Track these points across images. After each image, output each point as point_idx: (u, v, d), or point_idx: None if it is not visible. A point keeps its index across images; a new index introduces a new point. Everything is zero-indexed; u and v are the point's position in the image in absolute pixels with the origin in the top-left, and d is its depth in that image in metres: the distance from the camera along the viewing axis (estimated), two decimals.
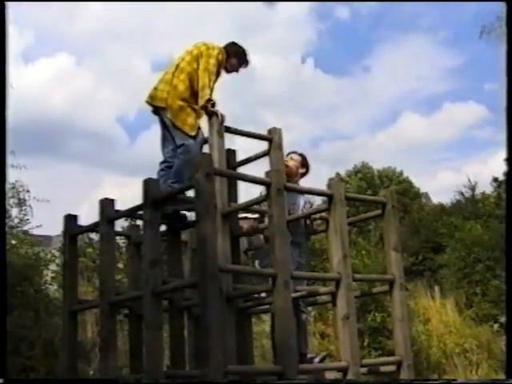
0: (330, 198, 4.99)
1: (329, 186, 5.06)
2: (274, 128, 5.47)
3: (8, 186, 10.28)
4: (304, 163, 6.01)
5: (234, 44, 5.79)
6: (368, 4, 58.65)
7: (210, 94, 5.27)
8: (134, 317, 5.74)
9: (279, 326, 4.39)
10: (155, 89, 5.50)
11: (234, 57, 5.74)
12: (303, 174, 6.01)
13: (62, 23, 58.24)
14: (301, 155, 6.03)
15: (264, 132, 5.51)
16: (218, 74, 5.52)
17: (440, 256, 15.99)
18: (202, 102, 5.23)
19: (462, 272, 13.34)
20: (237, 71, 5.86)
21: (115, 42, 63.63)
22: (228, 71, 5.78)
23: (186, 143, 5.23)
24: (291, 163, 5.88)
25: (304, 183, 5.89)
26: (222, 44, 5.71)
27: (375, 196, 5.75)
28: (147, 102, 5.54)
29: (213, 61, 5.42)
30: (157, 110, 5.49)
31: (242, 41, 5.80)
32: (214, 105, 5.23)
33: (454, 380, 8.78)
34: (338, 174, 29.79)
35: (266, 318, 10.02)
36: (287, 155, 5.92)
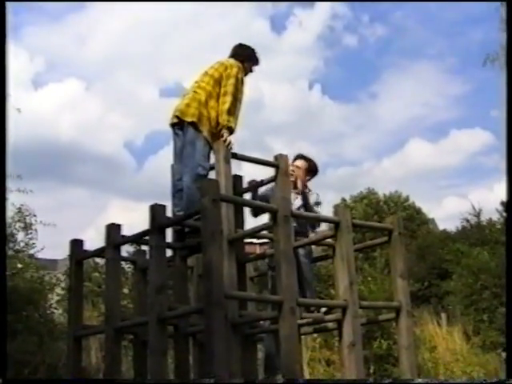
0: (336, 224, 4.98)
1: (335, 212, 5.05)
2: (281, 154, 5.48)
3: (14, 210, 10.31)
4: (310, 168, 6.05)
5: (243, 48, 5.79)
6: (375, 31, 59.05)
7: (232, 121, 5.28)
8: (138, 342, 5.71)
9: (285, 352, 4.36)
10: (187, 105, 5.37)
11: (248, 61, 5.74)
12: (311, 177, 6.06)
13: (73, 49, 58.95)
14: (306, 159, 6.05)
15: (270, 158, 5.53)
16: (240, 92, 5.49)
17: (446, 282, 15.92)
18: (222, 125, 5.25)
19: (469, 299, 13.27)
20: (251, 72, 5.83)
21: (124, 68, 64.24)
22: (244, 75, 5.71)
23: (201, 170, 5.19)
24: (297, 172, 5.92)
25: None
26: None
27: (381, 222, 5.73)
28: (176, 117, 5.42)
29: (232, 81, 5.40)
30: (182, 125, 5.38)
31: None
32: (231, 132, 5.25)
33: (453, 380, 8.68)
34: (343, 200, 29.81)
35: None
36: (294, 160, 5.97)
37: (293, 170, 5.84)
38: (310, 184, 6.05)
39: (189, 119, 5.30)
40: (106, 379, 4.88)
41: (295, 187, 5.86)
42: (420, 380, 5.20)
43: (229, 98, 5.32)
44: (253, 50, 5.81)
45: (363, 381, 4.76)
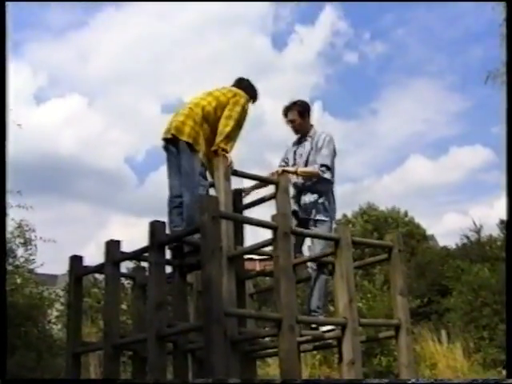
0: (336, 242, 4.98)
1: (335, 230, 5.06)
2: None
3: (14, 226, 10.32)
4: (302, 109, 6.00)
5: (249, 83, 5.82)
6: (376, 48, 59.35)
7: (228, 144, 5.28)
8: (137, 359, 5.68)
9: (285, 370, 4.34)
10: (183, 123, 5.32)
11: (251, 97, 5.77)
12: (307, 110, 6.02)
13: (75, 65, 59.19)
14: (297, 104, 6.01)
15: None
16: (243, 122, 5.51)
17: (447, 299, 15.87)
18: (217, 145, 5.25)
19: (469, 316, 13.22)
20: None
21: (126, 84, 64.54)
22: None
23: (201, 190, 5.19)
24: (294, 123, 5.96)
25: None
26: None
27: (381, 238, 5.73)
28: (172, 135, 5.35)
29: (239, 108, 5.42)
30: (176, 142, 5.33)
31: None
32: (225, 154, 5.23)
33: (454, 380, 8.63)
34: (344, 216, 29.77)
35: (271, 361, 9.94)
36: (286, 111, 5.99)
37: (292, 124, 5.97)
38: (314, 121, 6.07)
39: (185, 139, 5.26)
40: (106, 379, 4.86)
41: (302, 134, 5.97)
42: (420, 380, 5.19)
43: (232, 123, 5.32)
44: (256, 90, 5.86)
45: (363, 381, 4.73)
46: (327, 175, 5.68)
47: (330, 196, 5.80)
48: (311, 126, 6.00)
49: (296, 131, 6.01)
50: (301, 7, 60.97)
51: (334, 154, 5.82)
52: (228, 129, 5.28)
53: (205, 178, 5.34)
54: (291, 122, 5.97)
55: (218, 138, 5.28)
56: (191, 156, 5.24)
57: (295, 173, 5.74)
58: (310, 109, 6.06)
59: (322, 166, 5.69)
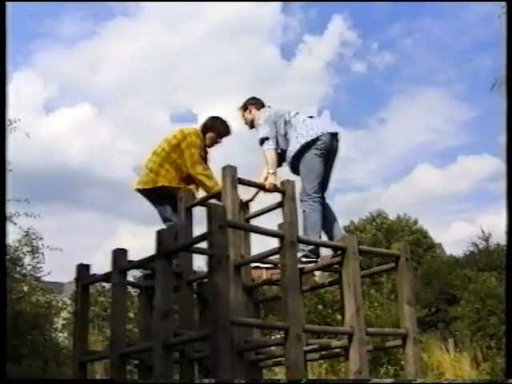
0: (343, 251, 4.97)
1: (342, 238, 5.05)
2: (288, 180, 5.50)
3: (21, 234, 10.34)
4: (254, 102, 6.04)
5: (211, 118, 6.16)
6: (384, 58, 59.39)
7: (201, 171, 5.76)
8: (144, 368, 5.68)
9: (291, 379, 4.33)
10: (146, 175, 5.99)
11: (211, 131, 6.10)
12: (255, 104, 6.03)
13: (85, 75, 59.56)
14: (247, 104, 6.06)
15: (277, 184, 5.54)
16: (204, 154, 6.01)
17: (454, 308, 15.79)
18: (195, 174, 5.76)
19: (476, 325, 13.15)
20: (218, 143, 6.21)
21: (136, 94, 64.77)
22: (209, 146, 6.14)
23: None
24: (248, 119, 6.01)
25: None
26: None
27: (390, 246, 5.71)
28: (141, 189, 6.01)
29: (194, 150, 5.85)
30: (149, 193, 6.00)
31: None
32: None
33: (456, 380, 8.57)
34: (352, 222, 29.76)
35: (277, 370, 9.90)
36: (242, 112, 6.07)
37: (245, 124, 6.05)
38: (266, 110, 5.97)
39: (149, 186, 5.94)
40: (106, 379, 4.85)
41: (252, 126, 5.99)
42: (420, 380, 5.16)
43: (197, 166, 5.80)
44: (221, 121, 6.18)
45: (363, 380, 4.71)
46: (266, 145, 5.62)
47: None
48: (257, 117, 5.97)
49: (248, 127, 6.05)
50: (309, 17, 61.21)
51: (267, 121, 5.71)
52: (202, 179, 5.76)
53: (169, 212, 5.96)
54: (242, 117, 6.08)
55: (192, 170, 5.79)
56: (158, 198, 6.01)
57: (267, 178, 5.65)
58: (255, 102, 6.06)
59: (260, 141, 5.69)
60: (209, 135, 6.08)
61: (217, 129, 6.14)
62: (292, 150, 5.55)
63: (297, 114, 5.76)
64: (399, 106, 62.08)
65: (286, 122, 5.70)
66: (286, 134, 5.68)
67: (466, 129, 62.02)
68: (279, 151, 5.69)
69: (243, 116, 6.05)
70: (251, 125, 5.95)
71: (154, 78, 60.68)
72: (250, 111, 5.98)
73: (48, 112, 66.45)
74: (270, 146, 5.59)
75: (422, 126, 60.74)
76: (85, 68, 59.78)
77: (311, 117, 5.72)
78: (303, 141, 5.49)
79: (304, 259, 5.21)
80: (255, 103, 6.01)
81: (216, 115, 6.21)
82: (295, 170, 5.58)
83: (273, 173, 5.52)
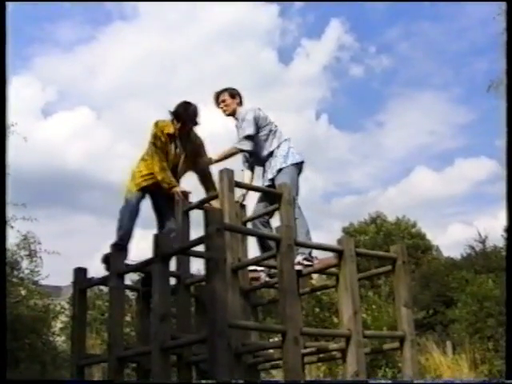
0: (340, 253, 4.98)
1: (339, 241, 5.06)
2: (285, 183, 5.51)
3: (19, 238, 10.33)
4: (233, 93, 6.08)
5: (179, 106, 5.87)
6: (381, 62, 59.48)
7: (166, 177, 5.70)
8: (141, 371, 5.67)
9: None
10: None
11: (177, 120, 5.82)
12: (234, 97, 6.08)
13: (84, 79, 59.48)
14: (228, 89, 6.10)
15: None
16: (161, 144, 5.80)
17: (451, 310, 15.80)
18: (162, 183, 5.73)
19: (474, 327, 13.15)
20: (187, 131, 5.89)
21: (134, 98, 64.65)
22: (179, 134, 5.85)
23: None
24: (228, 106, 6.03)
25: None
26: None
27: (388, 249, 5.72)
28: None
29: (151, 140, 5.83)
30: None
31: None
32: (172, 187, 5.70)
33: (453, 380, 8.58)
34: (351, 224, 29.76)
35: (275, 372, 9.91)
36: (217, 95, 6.09)
37: (223, 104, 6.05)
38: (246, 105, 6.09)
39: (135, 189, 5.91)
40: (106, 380, 4.85)
41: (232, 116, 6.05)
42: (420, 380, 5.17)
43: (154, 159, 5.76)
44: (186, 109, 5.84)
45: (363, 381, 4.72)
46: (245, 146, 5.72)
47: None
48: (240, 107, 6.06)
49: (226, 113, 6.07)
50: (307, 21, 61.29)
51: (255, 121, 5.79)
52: (156, 168, 5.75)
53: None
54: (223, 101, 6.05)
55: (158, 178, 5.74)
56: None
57: (212, 163, 5.87)
58: (241, 95, 6.12)
59: (243, 138, 5.74)
60: (177, 124, 5.85)
61: (183, 117, 5.85)
62: (284, 161, 5.73)
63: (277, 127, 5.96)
64: (397, 109, 62.21)
65: (270, 131, 5.86)
66: (266, 140, 5.84)
67: (463, 132, 62.16)
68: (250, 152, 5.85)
69: (225, 101, 6.04)
70: (231, 113, 6.02)
71: (152, 82, 60.65)
72: (238, 102, 6.06)
73: (46, 116, 66.59)
74: (247, 146, 5.73)
75: (420, 128, 60.81)
76: (83, 72, 59.77)
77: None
78: (299, 158, 5.80)
79: (305, 262, 5.23)
80: (241, 98, 6.10)
81: (184, 102, 5.94)
82: (273, 177, 5.72)
83: (216, 160, 5.79)
